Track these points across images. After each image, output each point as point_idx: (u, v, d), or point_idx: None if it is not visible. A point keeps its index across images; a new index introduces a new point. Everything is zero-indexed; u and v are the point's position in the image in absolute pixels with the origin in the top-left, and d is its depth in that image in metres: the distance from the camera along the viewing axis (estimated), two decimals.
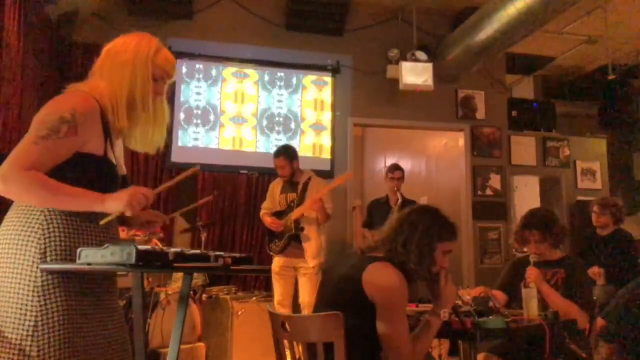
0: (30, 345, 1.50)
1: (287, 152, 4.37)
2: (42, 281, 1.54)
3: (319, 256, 4.20)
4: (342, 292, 1.87)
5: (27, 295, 1.53)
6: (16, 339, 1.51)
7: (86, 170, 1.63)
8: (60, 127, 1.56)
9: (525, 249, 2.86)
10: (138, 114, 1.73)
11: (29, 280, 1.54)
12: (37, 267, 1.54)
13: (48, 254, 1.56)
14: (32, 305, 1.52)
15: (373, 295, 1.78)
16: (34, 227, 1.58)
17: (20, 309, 1.52)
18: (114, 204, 1.57)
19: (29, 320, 1.51)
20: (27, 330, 1.51)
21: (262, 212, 4.49)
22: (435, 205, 2.06)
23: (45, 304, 1.53)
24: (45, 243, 1.57)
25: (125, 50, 1.73)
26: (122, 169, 1.81)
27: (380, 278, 1.79)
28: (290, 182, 4.39)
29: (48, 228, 1.58)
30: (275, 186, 4.49)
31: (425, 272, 1.89)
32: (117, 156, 1.76)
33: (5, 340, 1.52)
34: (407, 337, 1.81)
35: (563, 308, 2.45)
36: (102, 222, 1.61)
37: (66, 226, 1.60)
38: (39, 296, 1.53)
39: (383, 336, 1.78)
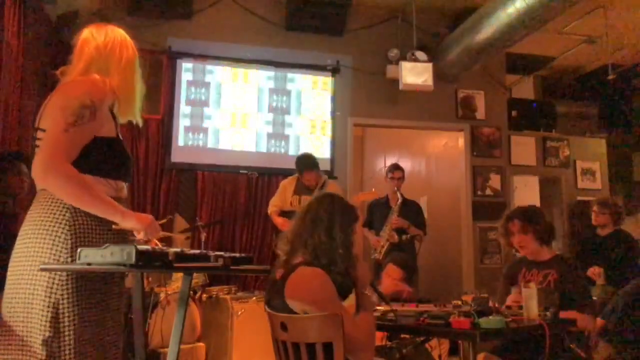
0: (47, 342, 1.52)
1: (317, 165, 4.34)
2: (59, 279, 1.55)
3: None
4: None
5: (48, 290, 1.55)
6: (28, 335, 1.53)
7: (105, 153, 1.68)
8: (83, 113, 1.60)
9: (514, 250, 2.86)
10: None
11: (49, 277, 1.55)
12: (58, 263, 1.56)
13: (75, 250, 1.57)
14: (52, 300, 1.54)
15: (304, 309, 1.77)
16: (60, 223, 1.58)
17: (44, 301, 1.54)
18: (133, 223, 1.63)
19: (47, 317, 1.53)
20: (44, 327, 1.52)
21: (270, 208, 4.43)
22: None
23: (59, 301, 1.54)
24: (72, 240, 1.58)
25: (127, 47, 1.81)
26: None
27: (303, 292, 1.78)
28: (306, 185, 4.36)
29: (75, 225, 1.59)
30: (288, 185, 4.45)
31: (348, 258, 1.88)
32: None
33: (19, 335, 1.54)
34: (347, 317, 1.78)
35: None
36: (115, 227, 1.65)
37: (90, 224, 1.62)
38: (56, 292, 1.55)
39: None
